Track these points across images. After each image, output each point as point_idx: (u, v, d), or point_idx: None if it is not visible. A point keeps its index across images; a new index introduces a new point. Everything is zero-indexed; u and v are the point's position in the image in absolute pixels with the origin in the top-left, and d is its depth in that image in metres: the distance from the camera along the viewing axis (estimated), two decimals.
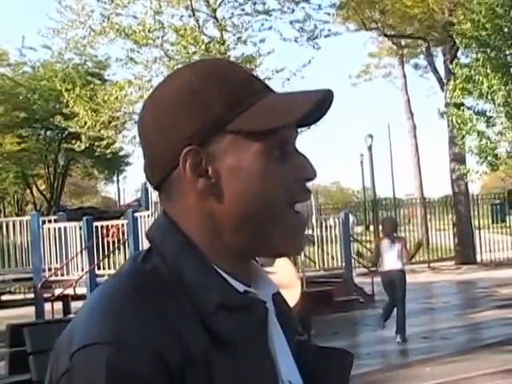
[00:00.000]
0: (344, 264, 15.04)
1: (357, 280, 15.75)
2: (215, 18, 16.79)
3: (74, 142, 18.50)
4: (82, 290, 13.45)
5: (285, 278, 3.65)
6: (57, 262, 14.59)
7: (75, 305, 13.17)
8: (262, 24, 17.17)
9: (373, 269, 13.72)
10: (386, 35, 25.42)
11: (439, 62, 25.13)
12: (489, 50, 16.74)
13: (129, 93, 16.53)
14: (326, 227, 15.61)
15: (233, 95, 1.00)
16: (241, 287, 1.00)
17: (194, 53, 15.73)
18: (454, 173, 22.79)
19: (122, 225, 14.73)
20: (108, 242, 14.39)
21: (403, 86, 29.50)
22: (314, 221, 15.02)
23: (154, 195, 14.25)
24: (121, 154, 27.24)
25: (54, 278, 14.41)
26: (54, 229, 14.78)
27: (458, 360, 8.79)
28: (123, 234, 14.66)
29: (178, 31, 16.00)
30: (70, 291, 13.64)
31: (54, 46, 20.57)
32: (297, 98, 1.03)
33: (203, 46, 15.65)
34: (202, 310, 0.95)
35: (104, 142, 17.43)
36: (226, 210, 0.99)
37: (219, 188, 0.99)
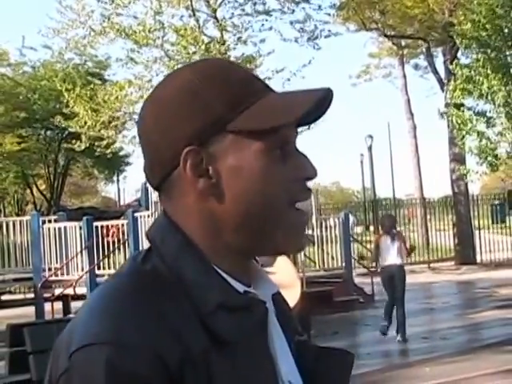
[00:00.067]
0: (344, 264, 15.04)
1: (357, 280, 15.76)
2: (215, 18, 16.80)
3: (74, 141, 18.50)
4: (82, 290, 13.45)
5: (285, 278, 3.65)
6: (57, 262, 14.59)
7: (75, 305, 13.17)
8: (263, 24, 17.20)
9: (373, 269, 13.74)
10: (386, 36, 25.41)
11: (439, 62, 25.16)
12: (489, 51, 16.74)
13: (129, 93, 16.54)
14: (326, 227, 15.61)
15: (233, 95, 1.00)
16: (241, 287, 1.00)
17: (194, 53, 15.73)
18: (454, 173, 22.79)
19: (122, 225, 14.73)
20: (108, 242, 14.39)
21: (403, 86, 29.51)
22: (314, 221, 15.02)
23: (153, 195, 14.24)
24: (121, 153, 27.23)
25: (54, 277, 14.42)
26: (54, 229, 14.78)
27: (458, 360, 8.79)
28: (123, 234, 14.65)
29: (179, 31, 16.01)
30: (69, 291, 13.65)
31: (55, 45, 20.65)
32: (297, 97, 1.03)
33: (203, 46, 15.65)
34: (201, 310, 0.95)
35: (104, 142, 17.44)
36: (227, 210, 0.99)
37: (220, 188, 0.99)
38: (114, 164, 30.08)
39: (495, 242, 24.09)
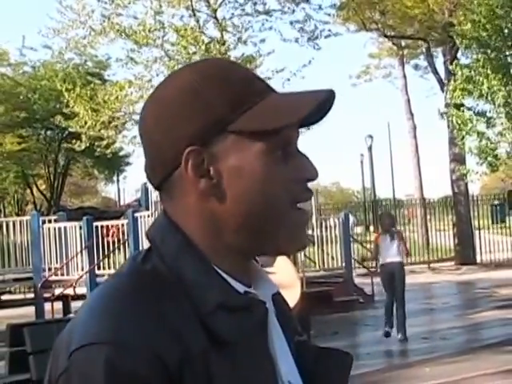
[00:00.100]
0: (344, 264, 15.04)
1: (357, 280, 15.76)
2: (216, 18, 16.80)
3: (74, 141, 18.49)
4: (82, 290, 13.46)
5: (285, 278, 3.65)
6: (57, 262, 14.59)
7: (75, 305, 13.17)
8: (263, 24, 17.21)
9: (373, 269, 13.73)
10: (386, 36, 25.41)
11: (439, 62, 25.15)
12: (489, 51, 16.75)
13: (129, 93, 16.53)
14: (326, 227, 15.60)
15: (234, 94, 1.00)
16: (241, 288, 1.00)
17: (195, 53, 15.74)
18: (454, 173, 22.79)
19: (122, 225, 14.73)
20: (108, 242, 14.39)
21: (403, 86, 29.52)
22: (314, 221, 15.02)
23: (154, 195, 14.24)
24: (121, 153, 27.23)
25: (54, 277, 14.42)
26: (54, 229, 14.79)
27: (458, 360, 8.79)
28: (123, 234, 14.66)
29: (179, 31, 16.01)
30: (69, 291, 13.65)
31: (55, 45, 20.60)
32: (300, 98, 1.03)
33: (203, 47, 15.65)
34: (201, 310, 0.95)
35: (104, 142, 17.44)
36: (228, 210, 0.99)
37: (221, 188, 0.99)
38: (114, 164, 30.07)
39: (495, 242, 24.09)
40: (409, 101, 29.03)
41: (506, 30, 16.78)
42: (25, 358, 6.37)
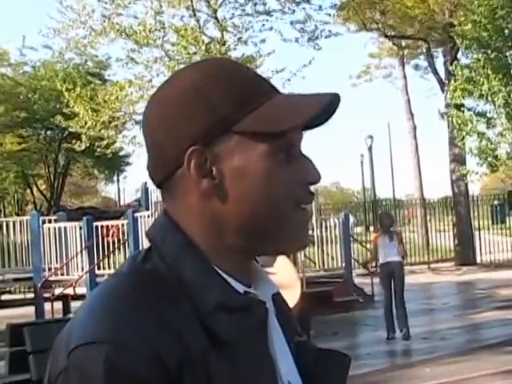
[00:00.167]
0: (344, 264, 15.04)
1: (357, 280, 15.75)
2: (216, 18, 16.80)
3: (74, 141, 18.49)
4: (81, 290, 13.45)
5: (285, 278, 3.64)
6: (57, 262, 14.59)
7: (75, 305, 13.17)
8: (263, 24, 17.22)
9: (373, 269, 13.73)
10: (386, 36, 25.40)
11: (439, 62, 25.14)
12: (489, 51, 16.75)
13: (129, 93, 16.54)
14: (326, 227, 15.61)
15: (238, 94, 1.00)
16: (241, 288, 1.00)
17: (195, 53, 15.74)
18: (454, 174, 22.79)
19: (122, 225, 14.73)
20: (108, 242, 14.39)
21: (403, 86, 29.51)
22: (314, 221, 15.01)
23: (154, 195, 14.25)
24: (121, 154, 27.22)
25: (53, 277, 14.42)
26: (54, 229, 14.79)
27: (459, 361, 8.79)
28: (123, 234, 14.66)
29: (179, 31, 16.01)
30: (69, 291, 13.65)
31: (55, 45, 20.65)
32: (304, 100, 1.03)
33: (204, 47, 15.66)
34: (201, 310, 0.95)
35: (104, 142, 17.45)
36: (230, 211, 0.99)
37: (223, 189, 0.99)
38: (114, 164, 30.06)
39: (495, 242, 24.09)
40: (409, 101, 29.02)
41: (506, 31, 16.78)
42: (25, 358, 6.37)
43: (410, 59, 30.65)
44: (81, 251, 14.16)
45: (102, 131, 16.86)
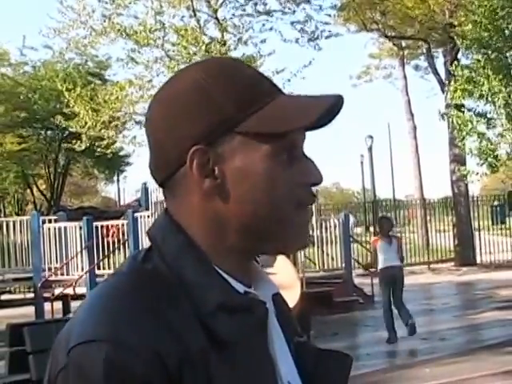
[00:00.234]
0: (344, 265, 15.04)
1: (356, 281, 15.75)
2: (216, 18, 16.79)
3: (74, 141, 18.49)
4: (81, 290, 13.45)
5: (285, 278, 3.65)
6: (57, 262, 14.60)
7: (75, 304, 13.16)
8: (263, 25, 17.22)
9: (373, 269, 13.73)
10: (386, 36, 25.40)
11: (440, 63, 25.14)
12: (489, 52, 16.74)
13: (129, 93, 16.54)
14: (326, 228, 15.61)
15: (242, 94, 1.00)
16: (241, 288, 1.00)
17: (195, 53, 15.74)
18: (454, 174, 22.79)
19: (122, 225, 14.74)
20: (108, 242, 14.39)
21: (404, 87, 29.51)
22: (314, 221, 15.01)
23: (154, 195, 14.26)
24: (121, 154, 27.22)
25: (53, 277, 14.43)
26: (54, 228, 14.79)
27: (458, 361, 8.79)
28: (123, 234, 14.67)
29: (179, 31, 16.01)
30: (69, 291, 13.65)
31: (55, 45, 20.63)
32: (309, 101, 1.02)
33: (204, 47, 15.66)
34: (201, 310, 0.94)
35: (104, 142, 17.44)
36: (231, 211, 0.99)
37: (225, 189, 0.99)
38: (114, 164, 30.07)
39: (495, 243, 24.08)
40: (409, 101, 29.02)
41: (506, 31, 16.77)
42: (25, 358, 6.37)
43: (410, 60, 30.66)
44: (81, 251, 14.16)
45: (102, 131, 16.86)
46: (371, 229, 26.27)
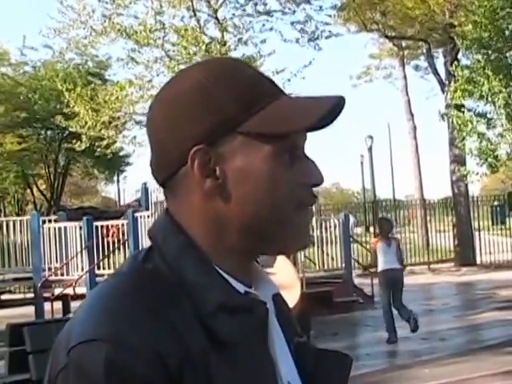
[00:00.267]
0: (344, 265, 15.04)
1: (356, 281, 15.75)
2: (216, 18, 16.79)
3: (74, 141, 18.48)
4: (81, 290, 13.45)
5: (285, 278, 3.65)
6: (57, 262, 14.60)
7: (75, 304, 13.16)
8: (263, 25, 17.21)
9: (372, 270, 13.73)
10: (386, 36, 25.40)
11: (440, 63, 25.14)
12: (490, 52, 16.74)
13: (129, 93, 16.54)
14: (326, 228, 15.60)
15: (243, 95, 1.00)
16: (242, 288, 1.00)
17: (195, 53, 15.74)
18: (454, 174, 22.79)
19: (122, 225, 14.73)
20: (108, 242, 14.39)
21: (404, 87, 29.52)
22: (314, 222, 15.01)
23: (154, 195, 14.26)
24: (121, 154, 27.23)
25: (53, 277, 14.43)
26: (54, 228, 14.79)
27: (458, 361, 8.79)
28: (123, 234, 14.66)
29: (179, 32, 16.01)
30: (69, 291, 13.65)
31: (55, 45, 20.63)
32: (310, 102, 1.02)
33: (204, 47, 15.66)
34: (202, 311, 0.94)
35: (104, 142, 17.45)
36: (232, 211, 0.99)
37: (226, 189, 0.99)
38: (114, 164, 30.06)
39: (495, 243, 24.08)
40: (409, 101, 29.03)
41: (506, 32, 16.77)
42: (24, 358, 6.38)
43: (410, 60, 30.67)
44: (81, 251, 14.16)
45: (102, 131, 16.86)
46: (371, 229, 26.27)
